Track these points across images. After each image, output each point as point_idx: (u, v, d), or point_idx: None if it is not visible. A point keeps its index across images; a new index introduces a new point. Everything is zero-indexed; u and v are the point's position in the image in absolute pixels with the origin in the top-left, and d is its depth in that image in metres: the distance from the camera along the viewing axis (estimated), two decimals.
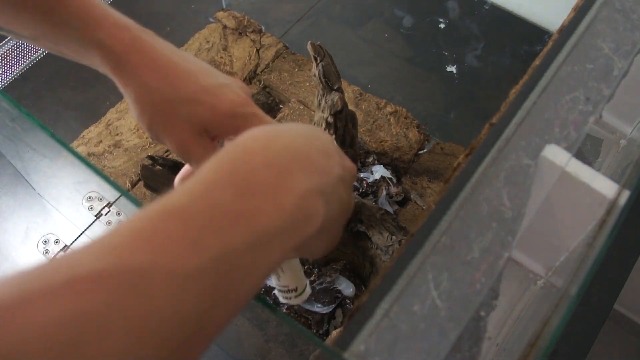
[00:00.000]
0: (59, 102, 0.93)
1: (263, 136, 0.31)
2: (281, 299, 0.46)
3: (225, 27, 1.00)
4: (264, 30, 1.01)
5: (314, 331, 0.72)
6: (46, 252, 0.79)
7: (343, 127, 0.76)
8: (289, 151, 0.30)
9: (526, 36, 1.04)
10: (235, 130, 0.41)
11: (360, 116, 0.89)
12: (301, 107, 0.90)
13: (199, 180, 0.28)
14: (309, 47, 0.68)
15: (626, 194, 0.39)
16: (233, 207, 0.27)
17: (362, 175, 0.81)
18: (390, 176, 0.82)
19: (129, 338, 0.22)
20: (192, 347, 0.24)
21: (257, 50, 0.97)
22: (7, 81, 0.89)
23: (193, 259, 0.24)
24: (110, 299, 0.22)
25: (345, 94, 0.87)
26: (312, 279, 0.73)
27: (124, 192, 0.68)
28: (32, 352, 0.20)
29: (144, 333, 0.22)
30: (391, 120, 0.90)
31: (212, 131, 0.42)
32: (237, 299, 0.26)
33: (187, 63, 0.40)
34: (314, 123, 0.79)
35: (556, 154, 0.39)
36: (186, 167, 0.47)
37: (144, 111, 0.40)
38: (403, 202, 0.83)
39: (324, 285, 0.72)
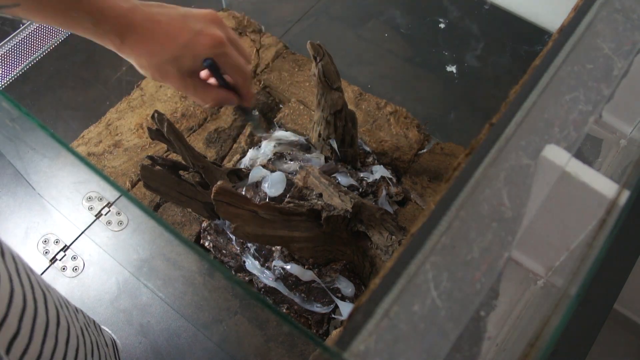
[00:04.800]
0: (59, 102, 0.93)
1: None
2: None
3: None
4: (264, 30, 1.01)
5: (314, 331, 0.72)
6: (46, 252, 0.79)
7: (343, 126, 0.76)
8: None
9: (526, 36, 1.04)
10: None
11: (360, 116, 0.89)
12: (301, 107, 0.90)
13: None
14: (308, 46, 0.68)
15: (626, 194, 0.39)
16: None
17: (362, 175, 0.81)
18: (390, 176, 0.82)
19: None
20: None
21: (257, 50, 0.97)
22: (7, 81, 0.89)
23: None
24: None
25: (345, 94, 0.87)
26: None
27: (124, 192, 0.68)
28: None
29: None
30: (391, 120, 0.90)
31: (199, 70, 0.55)
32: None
33: (168, 26, 0.51)
34: (314, 122, 0.80)
35: (556, 154, 0.39)
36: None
37: (145, 71, 0.53)
38: (403, 202, 0.83)
39: (324, 285, 0.72)
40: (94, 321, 0.64)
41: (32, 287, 0.47)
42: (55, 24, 0.50)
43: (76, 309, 0.58)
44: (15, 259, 0.47)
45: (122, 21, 0.50)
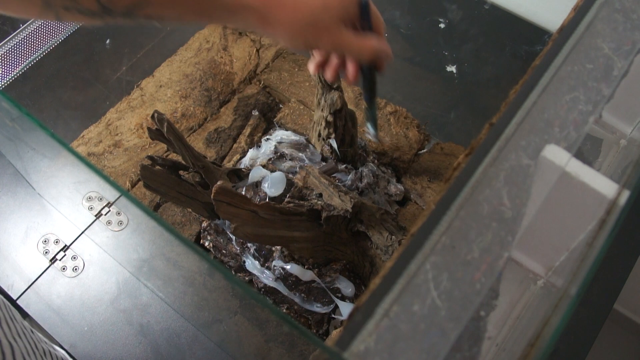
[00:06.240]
0: (59, 102, 0.93)
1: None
2: None
3: (225, 26, 1.00)
4: None
5: (314, 331, 0.72)
6: (46, 252, 0.79)
7: (342, 126, 0.76)
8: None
9: (526, 36, 1.04)
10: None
11: (360, 116, 0.89)
12: (301, 107, 0.90)
13: None
14: None
15: (626, 194, 0.39)
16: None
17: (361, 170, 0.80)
18: (380, 173, 0.82)
19: None
20: None
21: (257, 50, 0.97)
22: (7, 81, 0.89)
23: None
24: None
25: (345, 94, 0.87)
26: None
27: (124, 192, 0.68)
28: None
29: None
30: (391, 120, 0.90)
31: (348, 19, 0.53)
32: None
33: None
34: (314, 122, 0.80)
35: (556, 154, 0.39)
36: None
37: (296, 39, 0.52)
38: (403, 202, 0.83)
39: (324, 285, 0.72)
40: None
41: None
42: (192, 17, 0.50)
43: (44, 351, 0.60)
44: None
45: None
